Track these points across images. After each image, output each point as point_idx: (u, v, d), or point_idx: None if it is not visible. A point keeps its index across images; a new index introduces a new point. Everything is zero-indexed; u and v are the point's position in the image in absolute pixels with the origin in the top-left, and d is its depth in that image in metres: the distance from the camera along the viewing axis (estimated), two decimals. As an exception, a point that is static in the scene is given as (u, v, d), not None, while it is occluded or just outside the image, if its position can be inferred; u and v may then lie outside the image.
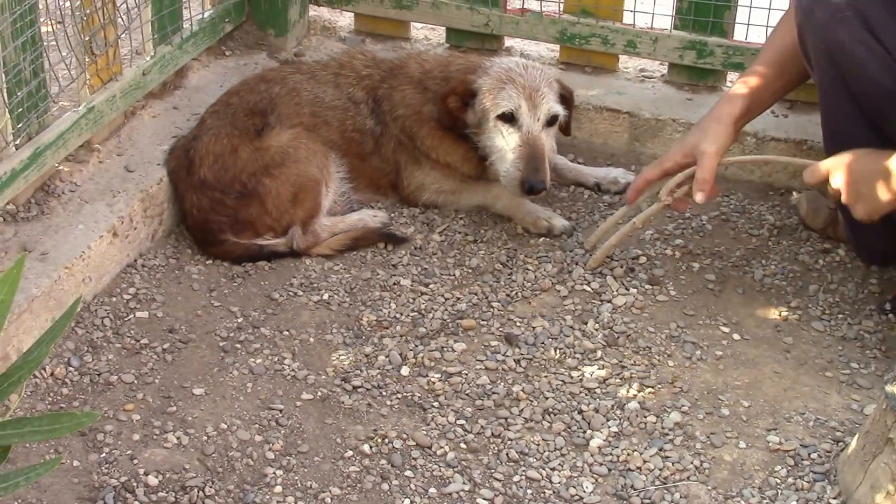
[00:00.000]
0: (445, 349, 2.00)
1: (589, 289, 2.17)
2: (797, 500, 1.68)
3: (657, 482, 1.72)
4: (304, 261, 2.25)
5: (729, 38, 2.61)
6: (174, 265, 2.24)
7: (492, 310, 2.12)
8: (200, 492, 1.67)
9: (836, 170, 1.91)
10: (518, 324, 2.08)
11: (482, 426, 1.83)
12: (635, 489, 1.71)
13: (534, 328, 2.06)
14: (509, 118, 2.26)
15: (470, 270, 2.24)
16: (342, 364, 1.96)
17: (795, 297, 2.16)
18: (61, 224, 2.09)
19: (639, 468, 1.75)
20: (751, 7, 2.56)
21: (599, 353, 2.00)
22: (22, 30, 1.95)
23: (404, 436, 1.80)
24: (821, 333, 2.07)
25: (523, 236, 2.35)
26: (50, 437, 1.11)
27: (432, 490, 1.70)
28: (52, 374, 1.90)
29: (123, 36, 2.30)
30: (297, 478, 1.72)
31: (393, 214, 2.42)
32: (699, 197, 2.04)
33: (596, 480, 1.73)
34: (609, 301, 2.13)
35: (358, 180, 2.42)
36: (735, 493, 1.70)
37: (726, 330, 2.07)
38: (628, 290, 2.16)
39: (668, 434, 1.82)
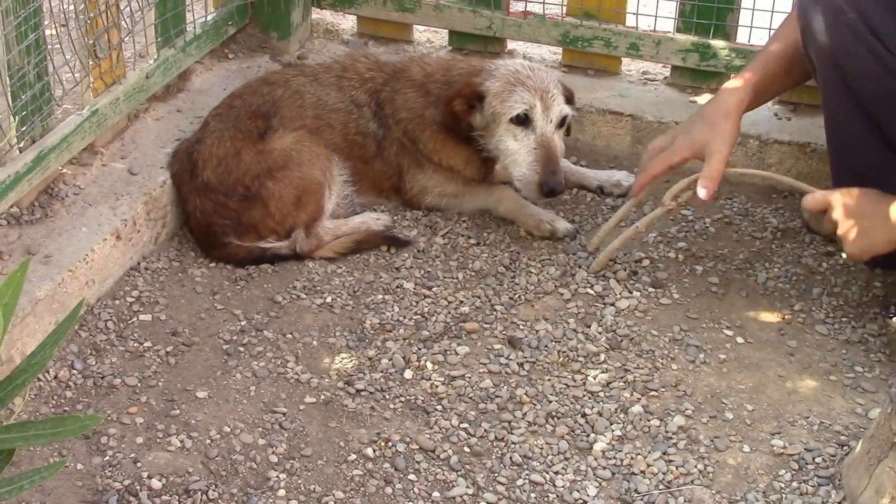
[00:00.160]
0: (448, 352, 2.00)
1: (592, 292, 2.17)
2: (801, 504, 1.68)
3: (661, 486, 1.72)
4: (307, 264, 2.25)
5: (732, 41, 2.61)
6: (177, 268, 2.24)
7: (495, 313, 2.11)
8: (204, 495, 1.67)
9: (839, 202, 1.91)
10: (521, 327, 2.07)
11: (485, 430, 1.83)
12: (639, 493, 1.71)
13: (537, 331, 2.06)
14: (523, 120, 2.25)
15: (473, 273, 2.24)
16: (345, 367, 1.96)
17: (799, 301, 2.16)
18: (65, 227, 2.10)
19: (642, 472, 1.75)
20: (753, 9, 2.56)
21: (603, 357, 1.99)
22: (26, 33, 1.96)
23: (407, 439, 1.80)
24: (825, 337, 2.06)
25: (526, 239, 2.35)
26: (54, 440, 1.11)
27: (436, 494, 1.70)
28: (55, 377, 1.90)
29: (127, 39, 2.31)
30: (300, 481, 1.72)
31: (396, 217, 2.42)
32: (703, 193, 2.03)
33: (599, 484, 1.73)
34: (612, 304, 2.13)
35: (361, 183, 2.42)
36: (739, 497, 1.70)
37: (730, 333, 2.07)
38: (631, 293, 2.16)
39: (671, 438, 1.81)
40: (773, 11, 2.51)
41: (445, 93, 2.33)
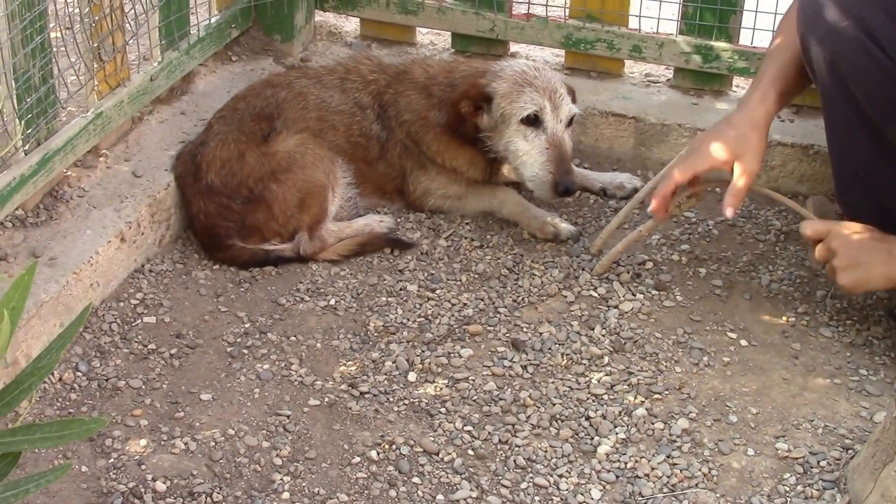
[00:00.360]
0: (452, 355, 2.00)
1: (595, 294, 2.17)
2: (806, 508, 1.68)
3: (665, 489, 1.72)
4: (311, 266, 2.26)
5: (734, 43, 2.61)
6: (181, 270, 2.24)
7: (498, 315, 2.11)
8: (208, 498, 1.67)
9: (838, 232, 1.91)
10: (525, 329, 2.07)
11: (489, 432, 1.83)
12: (643, 496, 1.71)
13: (540, 334, 2.06)
14: (532, 121, 2.25)
15: (476, 276, 2.24)
16: (349, 370, 1.96)
17: (803, 303, 2.16)
18: (69, 229, 2.10)
19: (647, 475, 1.75)
20: (756, 11, 2.56)
21: (606, 359, 1.99)
22: (32, 36, 1.96)
23: (411, 442, 1.80)
24: (829, 339, 2.06)
25: (529, 241, 2.35)
26: (60, 443, 1.12)
27: (440, 497, 1.70)
28: (60, 379, 1.90)
29: (131, 42, 2.31)
30: (304, 484, 1.72)
31: (399, 220, 2.42)
32: (729, 213, 1.98)
33: (604, 487, 1.73)
34: (616, 307, 2.13)
35: (364, 185, 2.43)
36: (744, 501, 1.70)
37: (734, 336, 2.06)
38: (635, 295, 2.16)
39: (675, 441, 1.81)
40: (776, 13, 2.51)
41: (451, 94, 2.33)
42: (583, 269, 2.24)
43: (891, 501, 1.56)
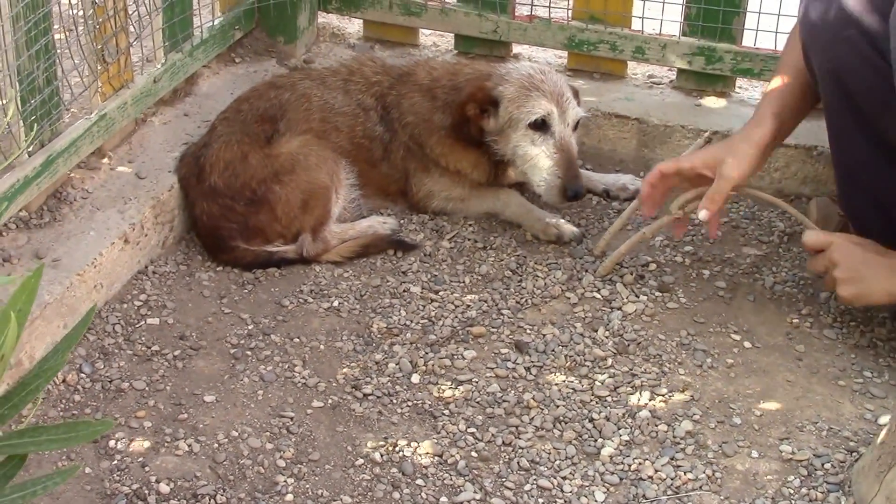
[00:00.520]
0: (455, 357, 2.00)
1: (599, 296, 2.17)
2: (810, 510, 1.67)
3: (669, 491, 1.72)
4: (314, 268, 2.26)
5: (737, 44, 2.61)
6: (185, 272, 2.24)
7: (502, 317, 2.11)
8: (212, 499, 1.67)
9: (840, 244, 1.92)
10: (528, 331, 2.07)
11: (493, 434, 1.83)
12: (647, 498, 1.71)
13: (544, 335, 2.06)
14: (540, 125, 2.26)
15: (479, 277, 2.24)
16: (352, 371, 1.96)
17: (807, 305, 2.15)
18: (73, 231, 2.10)
19: (650, 477, 1.74)
20: (759, 13, 2.55)
21: (610, 361, 1.99)
22: (36, 38, 1.96)
23: (415, 444, 1.80)
24: (833, 341, 2.06)
25: (533, 243, 2.35)
26: (66, 445, 1.12)
27: (443, 499, 1.70)
28: (63, 381, 1.90)
29: (135, 43, 2.31)
30: (308, 486, 1.72)
31: (402, 221, 2.42)
32: (703, 214, 2.03)
33: (607, 490, 1.73)
34: (619, 308, 2.13)
35: (367, 187, 2.43)
36: None
37: (737, 338, 2.06)
38: (638, 297, 2.16)
39: (679, 443, 1.81)
40: (779, 15, 2.51)
41: (456, 97, 2.33)
42: (586, 271, 2.24)
43: (895, 504, 1.56)
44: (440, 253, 2.32)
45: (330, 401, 1.89)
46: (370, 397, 1.90)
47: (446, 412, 1.87)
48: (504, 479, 1.74)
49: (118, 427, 1.81)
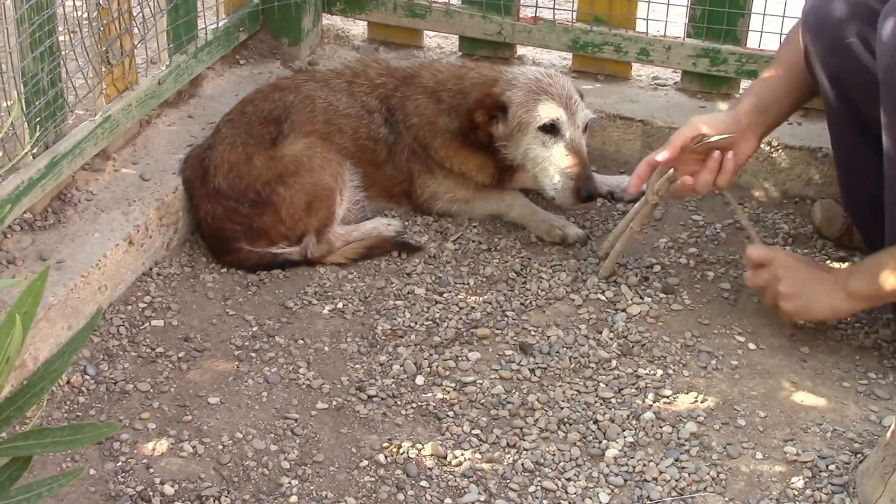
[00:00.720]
0: (460, 358, 2.00)
1: (603, 297, 2.17)
2: (815, 512, 1.67)
3: (674, 493, 1.72)
4: (319, 269, 2.26)
5: (742, 46, 2.61)
6: (189, 273, 2.25)
7: (506, 319, 2.11)
8: (216, 501, 1.67)
9: (784, 261, 1.95)
10: (532, 333, 2.07)
11: (497, 436, 1.83)
12: (651, 500, 1.70)
13: (548, 337, 2.06)
14: (550, 128, 2.26)
15: (484, 279, 2.24)
16: (357, 373, 1.96)
17: (811, 307, 2.15)
18: (77, 233, 2.11)
19: (655, 479, 1.74)
20: (764, 14, 2.56)
21: (614, 363, 1.99)
22: (40, 40, 1.97)
23: (419, 445, 1.80)
24: (837, 343, 2.05)
25: (537, 245, 2.35)
26: (71, 447, 1.12)
27: (448, 500, 1.70)
28: (68, 382, 1.91)
29: (139, 45, 2.32)
30: (312, 487, 1.72)
31: (406, 223, 2.42)
32: (661, 156, 2.01)
33: (612, 491, 1.72)
34: (623, 310, 2.13)
35: (371, 189, 2.43)
36: (752, 505, 1.70)
37: (742, 339, 2.06)
38: (643, 298, 2.16)
39: (684, 444, 1.81)
40: (783, 16, 2.51)
41: (463, 103, 2.33)
42: (590, 273, 2.24)
43: (901, 506, 1.56)
44: (444, 254, 2.32)
45: (334, 402, 1.89)
46: (374, 399, 1.90)
47: (451, 414, 1.87)
48: (508, 481, 1.74)
49: (123, 429, 1.81)
